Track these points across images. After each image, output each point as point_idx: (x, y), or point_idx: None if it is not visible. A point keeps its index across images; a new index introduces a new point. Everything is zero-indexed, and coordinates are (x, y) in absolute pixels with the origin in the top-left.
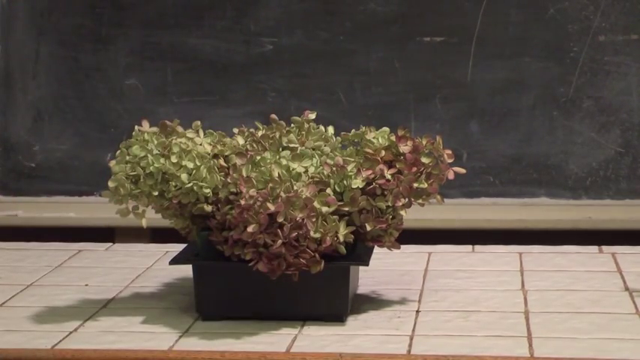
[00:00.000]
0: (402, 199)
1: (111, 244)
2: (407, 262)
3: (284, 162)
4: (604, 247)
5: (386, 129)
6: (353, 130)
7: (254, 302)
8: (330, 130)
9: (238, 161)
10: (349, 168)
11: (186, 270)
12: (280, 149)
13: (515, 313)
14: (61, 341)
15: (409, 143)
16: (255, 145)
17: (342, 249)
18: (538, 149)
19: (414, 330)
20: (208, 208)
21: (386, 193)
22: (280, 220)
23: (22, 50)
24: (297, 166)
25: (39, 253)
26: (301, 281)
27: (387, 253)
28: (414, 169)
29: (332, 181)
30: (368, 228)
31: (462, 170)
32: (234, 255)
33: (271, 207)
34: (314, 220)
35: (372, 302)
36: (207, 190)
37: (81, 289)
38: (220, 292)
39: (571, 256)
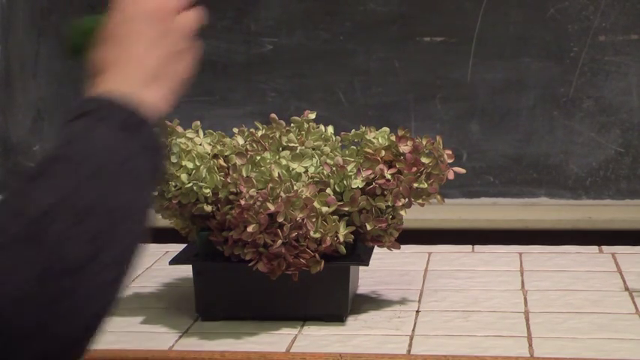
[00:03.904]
0: (402, 199)
1: None
2: (407, 262)
3: (284, 162)
4: (604, 247)
5: (386, 129)
6: (353, 130)
7: (254, 302)
8: (330, 130)
9: (238, 161)
10: (349, 168)
11: (186, 270)
12: (280, 149)
13: (515, 313)
14: None
15: (409, 143)
16: (255, 145)
17: (342, 249)
18: (538, 149)
19: (414, 330)
20: (208, 208)
21: (386, 193)
22: (280, 220)
23: (22, 50)
24: (297, 166)
25: None
26: (301, 281)
27: (387, 253)
28: (414, 169)
29: (332, 181)
30: (368, 228)
31: (462, 170)
32: (234, 255)
33: (271, 207)
34: (314, 220)
35: (372, 302)
36: (207, 190)
37: None
38: (220, 292)
39: (571, 256)
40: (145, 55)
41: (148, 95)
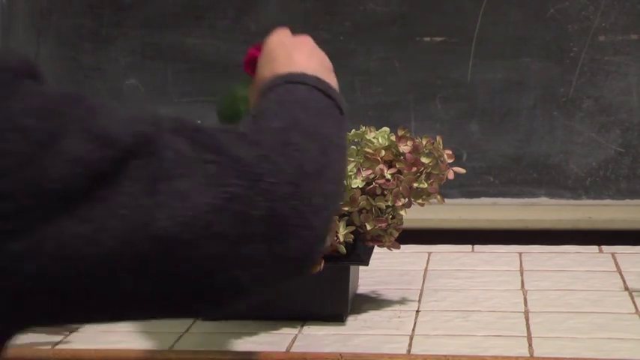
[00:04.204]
0: (402, 199)
1: None
2: (407, 262)
3: None
4: (604, 247)
5: (386, 129)
6: (353, 130)
7: (254, 302)
8: None
9: None
10: (349, 168)
11: None
12: None
13: (515, 313)
14: (61, 341)
15: (409, 143)
16: None
17: (342, 249)
18: (538, 149)
19: (414, 330)
20: None
21: (386, 193)
22: None
23: (22, 50)
24: None
25: None
26: (301, 281)
27: (387, 253)
28: (414, 169)
29: None
30: (368, 228)
31: (462, 170)
32: None
33: None
34: None
35: (372, 302)
36: None
37: None
38: None
39: (571, 256)
40: (307, 60)
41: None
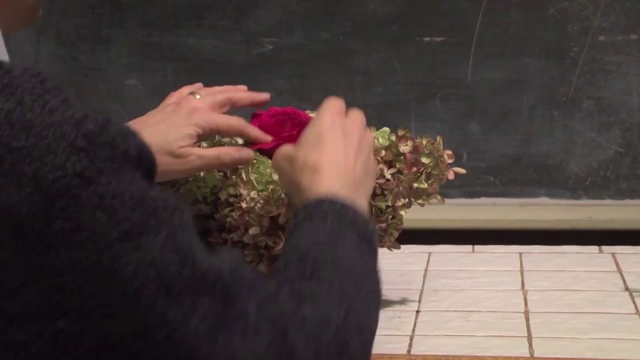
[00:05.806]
0: (402, 199)
1: None
2: (407, 262)
3: None
4: (604, 247)
5: (386, 129)
6: None
7: None
8: None
9: None
10: None
11: None
12: None
13: (515, 313)
14: None
15: (409, 143)
16: None
17: None
18: (538, 149)
19: (414, 330)
20: (207, 208)
21: (386, 193)
22: (282, 222)
23: (22, 50)
24: None
25: None
26: None
27: (387, 253)
28: (414, 169)
29: None
30: None
31: (462, 170)
32: None
33: (273, 209)
34: None
35: None
36: (206, 190)
37: None
38: None
39: (571, 256)
40: (353, 162)
41: (359, 203)
